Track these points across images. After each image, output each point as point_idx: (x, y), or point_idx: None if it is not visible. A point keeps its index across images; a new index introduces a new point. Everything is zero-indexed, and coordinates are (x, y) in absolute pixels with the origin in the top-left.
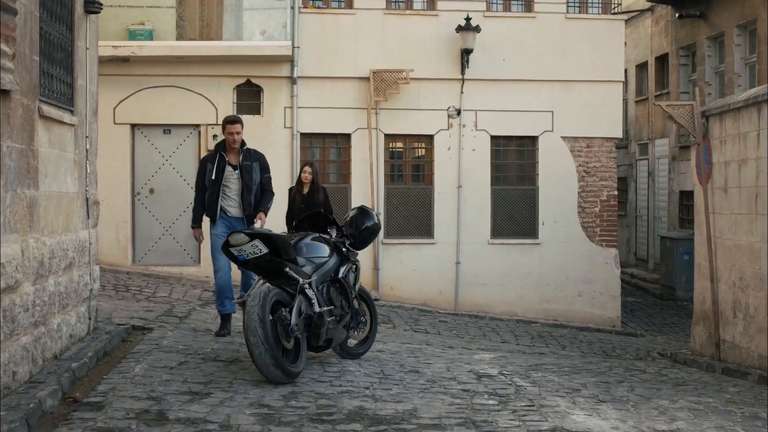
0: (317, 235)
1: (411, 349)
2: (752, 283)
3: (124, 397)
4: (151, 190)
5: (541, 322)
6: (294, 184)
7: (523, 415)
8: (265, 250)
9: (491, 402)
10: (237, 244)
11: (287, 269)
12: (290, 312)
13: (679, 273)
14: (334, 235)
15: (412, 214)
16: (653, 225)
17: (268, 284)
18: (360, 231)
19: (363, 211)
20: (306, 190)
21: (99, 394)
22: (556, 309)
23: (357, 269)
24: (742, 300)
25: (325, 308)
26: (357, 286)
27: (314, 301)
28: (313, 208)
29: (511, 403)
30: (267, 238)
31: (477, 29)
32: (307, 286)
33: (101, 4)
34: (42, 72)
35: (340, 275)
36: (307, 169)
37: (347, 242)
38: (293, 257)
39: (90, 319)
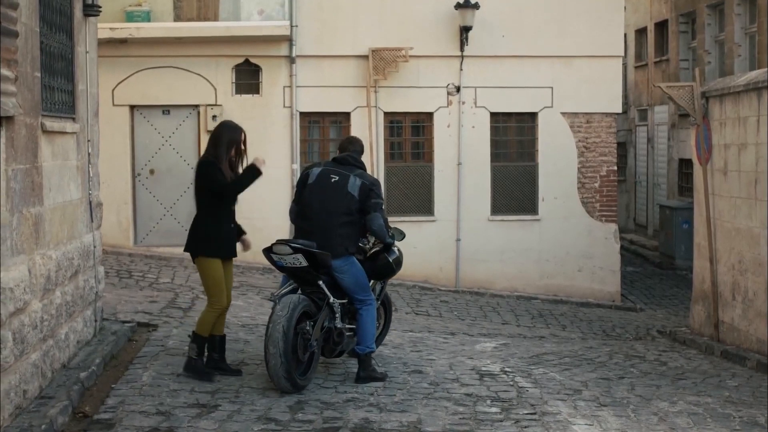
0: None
1: (413, 340)
2: (751, 268)
3: (133, 413)
4: (152, 171)
5: (541, 298)
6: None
7: (525, 427)
8: (305, 264)
9: (494, 410)
10: (280, 253)
11: (321, 282)
12: (313, 325)
13: (679, 242)
14: (371, 241)
15: (412, 192)
16: (652, 192)
17: (298, 293)
18: (379, 265)
19: (386, 247)
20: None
21: (108, 409)
22: (557, 284)
23: (384, 281)
24: (741, 283)
25: (347, 326)
26: (382, 294)
27: (338, 315)
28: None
29: (513, 410)
30: (310, 254)
31: (476, 6)
32: (336, 304)
33: (100, 7)
34: (43, 86)
35: None
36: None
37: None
38: (329, 268)
39: (96, 321)
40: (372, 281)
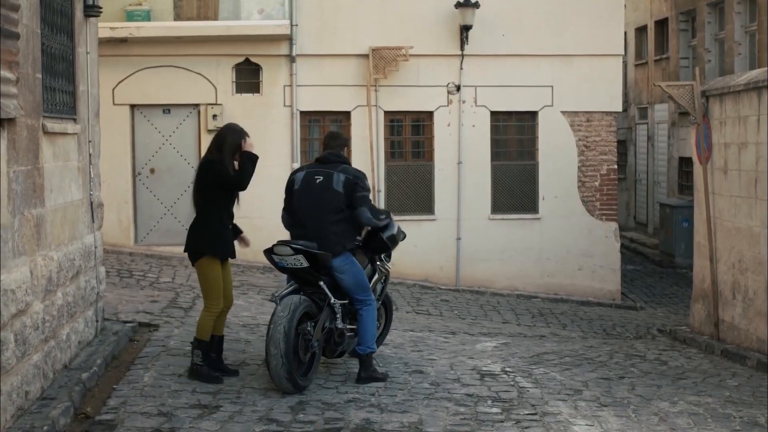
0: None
1: (414, 340)
2: (751, 267)
3: (135, 414)
4: (152, 170)
5: (541, 297)
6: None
7: (526, 427)
8: (306, 265)
9: (495, 410)
10: (281, 254)
11: (321, 283)
12: (314, 326)
13: (679, 240)
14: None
15: (413, 191)
16: (653, 190)
17: (299, 294)
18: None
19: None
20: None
21: (110, 410)
22: (557, 283)
23: (386, 279)
24: (741, 282)
25: (348, 326)
26: (383, 294)
27: (339, 316)
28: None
29: (514, 410)
30: (311, 255)
31: (476, 5)
32: (337, 305)
33: (100, 8)
34: (45, 87)
35: None
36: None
37: (384, 254)
38: (329, 269)
39: (97, 321)
40: (373, 281)
